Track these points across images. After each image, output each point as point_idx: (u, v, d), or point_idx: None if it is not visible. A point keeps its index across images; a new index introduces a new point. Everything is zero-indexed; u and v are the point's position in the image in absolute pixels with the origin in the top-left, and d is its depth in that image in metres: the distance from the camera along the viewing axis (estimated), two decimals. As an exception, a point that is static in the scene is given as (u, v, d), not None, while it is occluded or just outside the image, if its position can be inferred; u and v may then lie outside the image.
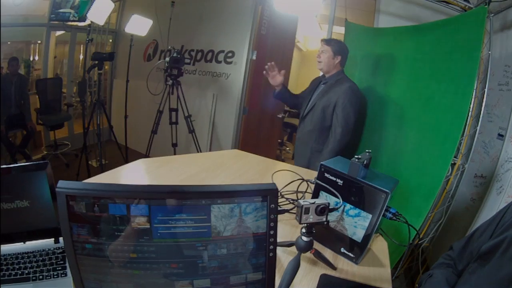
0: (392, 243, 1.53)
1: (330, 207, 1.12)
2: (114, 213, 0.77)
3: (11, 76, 4.86)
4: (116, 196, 0.77)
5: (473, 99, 2.74)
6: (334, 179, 1.35)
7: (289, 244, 1.32)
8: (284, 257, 1.36)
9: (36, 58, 5.87)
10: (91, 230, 0.79)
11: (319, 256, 1.31)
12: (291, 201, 1.74)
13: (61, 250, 1.25)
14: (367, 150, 1.43)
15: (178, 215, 0.80)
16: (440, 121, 2.51)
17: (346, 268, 1.37)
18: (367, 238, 1.33)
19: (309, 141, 3.04)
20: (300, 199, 1.71)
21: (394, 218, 1.32)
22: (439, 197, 3.00)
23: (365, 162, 1.37)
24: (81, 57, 6.49)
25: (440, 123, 2.51)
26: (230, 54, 5.07)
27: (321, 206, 1.09)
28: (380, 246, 1.55)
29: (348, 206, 1.34)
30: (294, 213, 1.22)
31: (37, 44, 5.79)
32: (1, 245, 1.25)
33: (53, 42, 5.96)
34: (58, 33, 6.10)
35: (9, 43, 5.29)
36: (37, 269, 1.18)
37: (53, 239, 1.29)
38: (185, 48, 5.52)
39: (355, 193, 1.32)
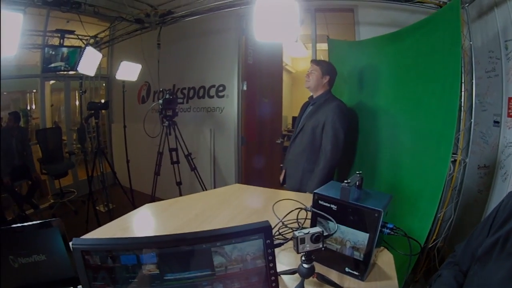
0: (403, 250, 1.58)
1: (325, 234, 1.20)
2: (126, 263, 0.86)
3: (11, 129, 4.96)
4: (125, 248, 0.86)
5: (462, 92, 2.78)
6: (328, 205, 1.42)
7: (293, 272, 1.37)
8: (290, 283, 1.40)
9: (33, 107, 6.07)
10: (108, 279, 0.87)
11: (323, 279, 1.37)
12: (293, 230, 1.80)
13: (80, 299, 1.30)
14: (357, 172, 1.50)
15: (183, 259, 0.88)
16: (432, 121, 2.52)
17: (353, 286, 1.41)
18: (368, 255, 1.38)
19: (300, 162, 3.06)
20: (300, 227, 1.77)
21: (392, 233, 1.37)
22: (446, 196, 3.03)
23: (357, 183, 1.45)
24: (77, 103, 6.60)
25: (432, 123, 2.51)
26: (221, 88, 5.19)
27: (316, 234, 1.16)
28: (385, 259, 1.59)
29: (345, 228, 1.40)
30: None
31: (33, 93, 6.01)
32: None
33: (48, 91, 6.11)
34: (52, 81, 6.26)
35: (5, 93, 5.49)
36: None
37: (72, 288, 1.35)
38: (176, 87, 5.64)
39: (350, 215, 1.37)
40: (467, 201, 3.18)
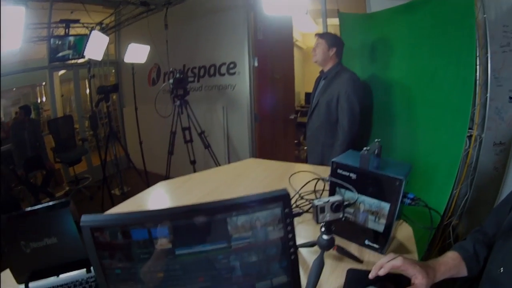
0: (419, 226, 1.53)
1: (345, 203, 1.14)
2: (137, 238, 0.81)
3: (22, 122, 5.04)
4: (136, 222, 0.81)
5: (477, 66, 2.72)
6: (347, 173, 1.36)
7: (312, 244, 1.33)
8: (309, 257, 1.37)
9: (44, 99, 6.08)
10: (118, 256, 0.83)
11: (342, 251, 1.33)
12: (310, 201, 1.75)
13: (93, 279, 1.29)
14: (376, 140, 1.44)
15: (196, 231, 0.83)
16: (448, 94, 2.46)
17: (372, 259, 1.37)
18: (388, 227, 1.34)
19: (319, 137, 3.05)
20: (319, 198, 1.71)
21: (413, 203, 1.32)
22: (461, 172, 2.97)
23: (375, 152, 1.39)
24: (88, 91, 6.60)
25: (448, 97, 2.45)
26: (232, 65, 5.12)
27: (336, 203, 1.10)
28: (405, 233, 1.55)
29: (365, 198, 1.35)
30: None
31: (42, 86, 6.00)
32: (36, 281, 1.30)
33: (57, 82, 6.11)
34: (61, 72, 6.24)
35: (14, 89, 5.53)
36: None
37: (85, 269, 1.33)
38: (187, 67, 5.58)
39: (370, 185, 1.32)
40: (483, 178, 3.10)
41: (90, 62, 5.90)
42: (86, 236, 0.80)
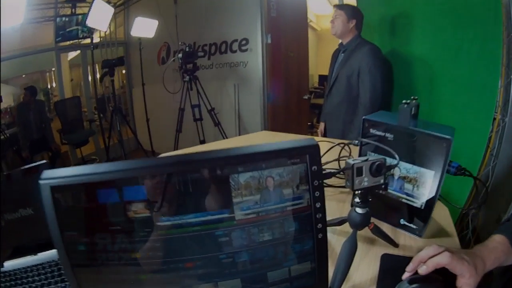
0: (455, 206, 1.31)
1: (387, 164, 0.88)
2: (105, 201, 0.59)
3: (27, 103, 4.99)
4: (104, 178, 0.58)
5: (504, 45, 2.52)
6: (382, 133, 1.12)
7: (340, 221, 1.08)
8: (333, 240, 1.14)
9: (54, 85, 5.98)
10: (82, 227, 0.61)
11: (378, 232, 1.08)
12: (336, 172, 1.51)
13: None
14: (413, 97, 1.19)
15: (185, 194, 0.59)
16: (474, 71, 2.31)
17: (409, 243, 1.14)
18: (431, 202, 1.10)
19: (339, 114, 2.93)
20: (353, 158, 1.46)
21: (459, 173, 1.10)
22: (484, 157, 2.74)
23: (412, 112, 1.14)
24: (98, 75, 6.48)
25: (474, 73, 2.30)
26: (244, 42, 4.96)
27: (377, 163, 0.84)
28: (441, 213, 1.30)
29: (403, 165, 1.11)
30: (342, 178, 0.98)
31: (52, 72, 5.90)
32: (12, 259, 1.16)
33: (66, 66, 6.03)
34: (71, 57, 6.15)
35: (24, 76, 5.42)
36: (45, 281, 1.08)
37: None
38: (197, 44, 5.40)
39: (409, 148, 1.09)
40: (502, 167, 2.88)
41: (96, 44, 5.80)
42: (46, 199, 0.59)
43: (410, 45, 2.96)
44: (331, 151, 1.73)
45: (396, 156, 0.93)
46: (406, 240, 1.16)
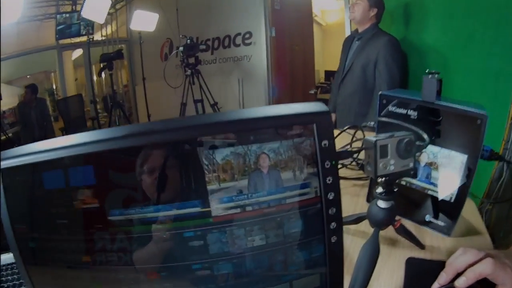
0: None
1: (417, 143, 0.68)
2: (50, 187, 0.44)
3: (29, 102, 5.01)
4: (50, 157, 0.44)
5: None
6: (404, 111, 0.93)
7: (357, 219, 0.87)
8: (347, 242, 0.92)
9: (59, 85, 6.05)
10: (30, 220, 0.47)
11: (404, 232, 0.87)
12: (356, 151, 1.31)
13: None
14: (434, 71, 1.00)
15: (142, 179, 0.43)
16: (487, 58, 2.18)
17: (436, 244, 0.94)
18: (463, 193, 0.91)
19: (351, 105, 2.84)
20: (356, 159, 1.27)
21: (493, 157, 0.94)
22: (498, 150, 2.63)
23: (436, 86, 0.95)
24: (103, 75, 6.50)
25: (487, 61, 2.18)
26: (247, 35, 4.92)
27: (406, 139, 0.64)
28: (468, 208, 1.06)
29: (429, 148, 0.93)
30: (353, 169, 0.78)
31: (56, 72, 5.97)
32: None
33: (70, 65, 6.13)
34: (75, 56, 6.21)
35: (28, 76, 5.45)
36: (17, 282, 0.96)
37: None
38: (200, 39, 5.34)
39: (436, 127, 0.91)
40: None
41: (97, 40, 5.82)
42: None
43: (422, 33, 2.90)
44: (340, 140, 1.52)
45: (425, 135, 0.73)
46: (433, 240, 0.97)
